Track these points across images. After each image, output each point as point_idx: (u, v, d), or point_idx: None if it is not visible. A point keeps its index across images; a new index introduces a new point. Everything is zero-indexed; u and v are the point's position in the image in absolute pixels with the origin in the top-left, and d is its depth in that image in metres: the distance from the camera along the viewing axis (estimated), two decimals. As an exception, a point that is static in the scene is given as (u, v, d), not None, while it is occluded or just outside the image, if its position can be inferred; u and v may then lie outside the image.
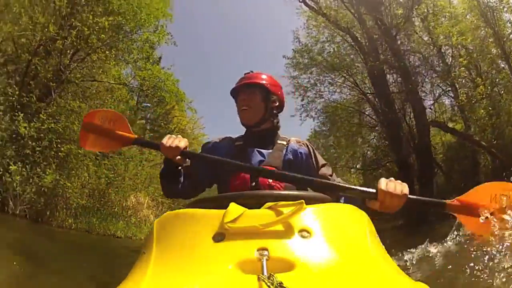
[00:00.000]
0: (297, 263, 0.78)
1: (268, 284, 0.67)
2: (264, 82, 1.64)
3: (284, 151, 1.56)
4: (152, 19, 11.16)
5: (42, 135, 8.49)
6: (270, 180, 1.43)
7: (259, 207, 0.94)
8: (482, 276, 2.18)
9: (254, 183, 1.43)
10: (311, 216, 0.93)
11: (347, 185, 1.28)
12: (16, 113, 8.12)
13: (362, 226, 1.03)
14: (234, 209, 0.91)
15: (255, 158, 1.53)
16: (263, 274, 0.71)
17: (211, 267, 0.79)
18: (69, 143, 9.01)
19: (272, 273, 0.70)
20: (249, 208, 0.93)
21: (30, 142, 8.18)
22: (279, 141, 1.62)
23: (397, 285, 0.82)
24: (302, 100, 15.58)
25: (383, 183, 1.18)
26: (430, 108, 13.35)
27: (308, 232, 0.87)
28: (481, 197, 1.25)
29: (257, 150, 1.56)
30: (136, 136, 1.56)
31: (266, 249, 0.80)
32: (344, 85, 15.80)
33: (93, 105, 10.39)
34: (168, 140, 1.38)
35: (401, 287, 0.82)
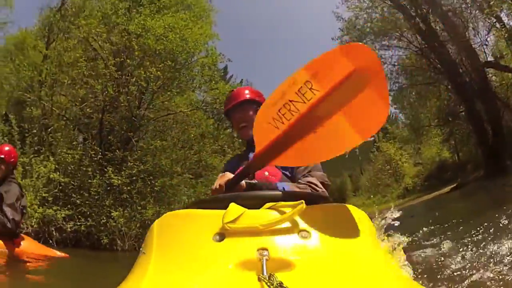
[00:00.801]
0: (297, 263, 0.82)
1: (268, 284, 0.70)
2: (250, 96, 1.82)
3: None
4: (201, 45, 11.90)
5: (134, 178, 9.75)
6: (267, 173, 1.56)
7: (259, 208, 0.97)
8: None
9: (250, 174, 1.49)
10: (311, 216, 0.95)
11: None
12: (105, 169, 9.47)
13: (362, 226, 1.04)
14: (234, 209, 0.94)
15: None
16: (263, 274, 0.74)
17: (211, 267, 0.83)
18: (162, 177, 10.19)
19: (272, 273, 0.74)
20: (249, 209, 0.96)
21: (125, 188, 9.47)
22: None
23: (397, 285, 0.85)
24: None
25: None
26: (484, 49, 12.98)
27: (308, 232, 0.90)
28: (267, 134, 1.16)
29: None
30: None
31: (266, 249, 0.83)
32: (399, 47, 15.68)
33: (175, 135, 11.60)
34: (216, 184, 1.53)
35: (401, 287, 0.86)
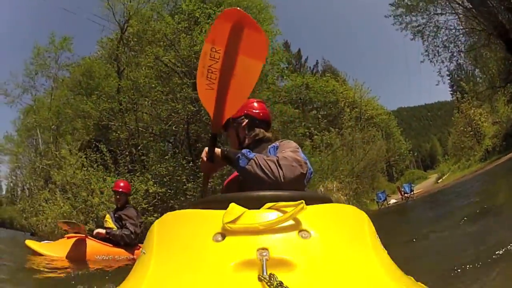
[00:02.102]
0: (297, 263, 0.84)
1: (268, 284, 0.73)
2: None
3: (267, 152, 1.72)
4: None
5: (225, 177, 11.04)
6: None
7: (259, 208, 0.99)
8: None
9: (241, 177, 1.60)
10: (311, 216, 0.98)
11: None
12: (198, 174, 10.91)
13: (362, 226, 1.09)
14: (234, 209, 0.97)
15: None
16: (263, 274, 0.77)
17: (211, 267, 0.85)
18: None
19: (272, 273, 0.77)
20: (249, 209, 0.99)
21: (217, 187, 10.73)
22: (269, 147, 1.79)
23: (397, 285, 0.88)
24: (423, 39, 16.32)
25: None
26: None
27: (308, 232, 0.92)
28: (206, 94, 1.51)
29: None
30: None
31: (266, 249, 0.85)
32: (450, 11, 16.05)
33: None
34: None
35: (401, 287, 0.89)
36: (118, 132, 12.66)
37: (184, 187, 10.74)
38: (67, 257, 5.08)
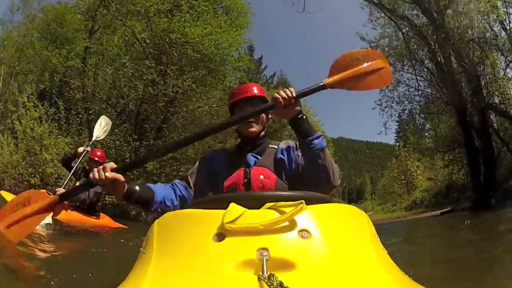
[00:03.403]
0: (297, 263, 0.84)
1: (268, 284, 0.74)
2: (262, 93, 1.85)
3: (275, 154, 1.76)
4: (233, 50, 14.22)
5: (163, 163, 12.04)
6: (262, 177, 1.62)
7: (259, 208, 1.01)
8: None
9: (246, 180, 1.61)
10: (311, 216, 0.99)
11: (247, 113, 1.66)
12: (140, 154, 11.75)
13: (362, 226, 1.11)
14: (234, 209, 0.98)
15: (251, 160, 1.73)
16: (263, 274, 0.78)
17: (211, 267, 0.86)
18: (187, 164, 12.38)
19: (272, 273, 0.77)
20: (249, 209, 1.00)
21: (155, 171, 11.77)
22: (270, 146, 1.81)
23: (397, 285, 0.89)
24: (380, 92, 17.86)
25: (275, 94, 1.59)
26: (487, 88, 14.69)
27: (308, 232, 0.94)
28: (343, 67, 1.73)
29: (251, 155, 1.76)
30: (58, 193, 1.63)
31: (267, 249, 0.86)
32: (414, 74, 17.62)
33: (203, 126, 13.63)
34: (94, 174, 1.45)
35: (401, 287, 0.90)
36: (76, 91, 13.21)
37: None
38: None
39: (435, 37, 15.16)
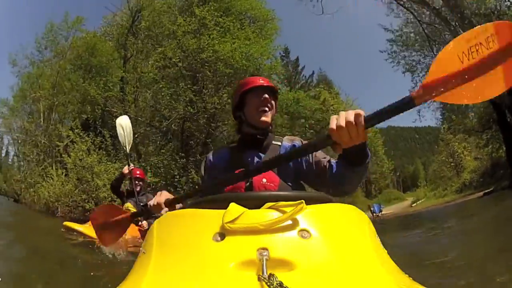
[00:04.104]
0: (297, 263, 0.86)
1: (268, 284, 0.75)
2: (270, 84, 1.78)
3: (278, 152, 1.71)
4: (265, 59, 14.97)
5: None
6: (264, 180, 1.56)
7: (259, 208, 1.02)
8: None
9: (248, 183, 1.57)
10: (311, 216, 1.00)
11: (305, 145, 1.35)
12: (188, 170, 12.76)
13: (362, 226, 1.12)
14: (234, 209, 1.00)
15: (253, 160, 1.71)
16: (263, 274, 0.80)
17: (211, 267, 0.87)
18: None
19: (272, 273, 0.79)
20: (249, 208, 1.01)
21: None
22: (273, 142, 1.77)
23: (397, 285, 0.89)
24: (412, 75, 18.45)
25: (333, 120, 1.16)
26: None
27: (308, 232, 0.95)
28: (449, 65, 1.08)
29: (254, 154, 1.73)
30: (130, 212, 1.86)
31: (266, 249, 0.88)
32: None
33: None
34: (153, 201, 1.58)
35: (401, 287, 0.90)
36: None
37: (177, 179, 12.43)
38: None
39: (454, 18, 15.48)
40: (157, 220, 1.20)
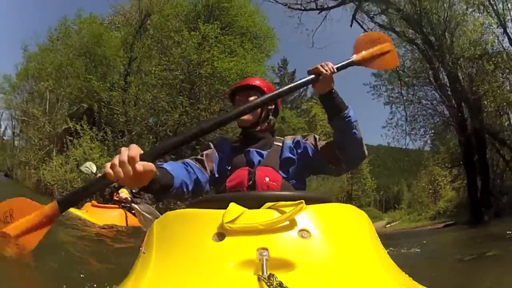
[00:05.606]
0: (297, 263, 0.89)
1: (268, 284, 0.78)
2: (259, 84, 1.93)
3: (280, 152, 1.81)
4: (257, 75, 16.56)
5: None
6: (267, 179, 1.64)
7: (258, 207, 1.06)
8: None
9: (251, 182, 1.64)
10: (311, 216, 1.04)
11: (289, 86, 1.72)
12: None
13: (362, 226, 1.17)
14: (234, 209, 1.04)
15: (255, 158, 1.77)
16: (263, 274, 0.82)
17: (211, 267, 0.91)
18: None
19: (272, 273, 0.81)
20: (249, 208, 1.06)
21: None
22: (275, 143, 1.86)
23: (397, 285, 0.94)
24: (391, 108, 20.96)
25: (319, 67, 1.70)
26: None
27: (308, 232, 0.99)
28: (362, 47, 1.96)
29: (256, 151, 1.80)
30: (56, 201, 1.46)
31: (266, 249, 0.91)
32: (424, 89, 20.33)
33: None
34: (115, 170, 1.14)
35: (400, 287, 0.94)
36: (119, 116, 16.34)
37: None
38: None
39: (438, 58, 17.54)
40: (157, 220, 1.25)
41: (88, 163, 7.43)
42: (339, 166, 1.77)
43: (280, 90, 1.68)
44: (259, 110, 1.84)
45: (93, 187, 1.42)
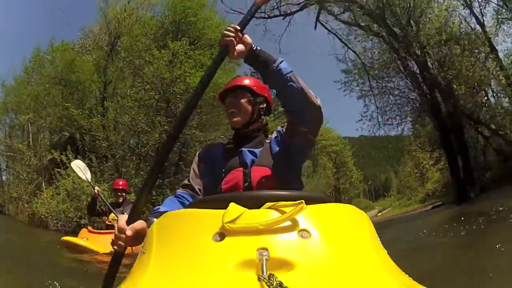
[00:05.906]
0: (297, 263, 0.91)
1: (268, 284, 0.78)
2: (248, 83, 1.90)
3: (270, 147, 1.81)
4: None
5: None
6: (263, 180, 1.65)
7: (258, 207, 1.08)
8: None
9: (247, 183, 1.65)
10: (311, 216, 1.05)
11: (207, 72, 1.67)
12: (164, 191, 15.44)
13: (362, 226, 1.19)
14: (234, 209, 1.05)
15: (247, 158, 1.77)
16: (263, 274, 0.83)
17: (211, 267, 0.92)
18: None
19: (272, 273, 0.82)
20: (248, 208, 1.07)
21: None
22: (266, 140, 1.86)
23: (397, 285, 0.95)
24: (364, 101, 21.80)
25: (223, 37, 1.62)
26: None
27: (308, 232, 1.00)
28: None
29: (248, 150, 1.79)
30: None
31: (266, 249, 0.92)
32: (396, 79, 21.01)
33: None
34: (116, 243, 1.42)
35: (400, 287, 0.95)
36: (101, 141, 16.72)
37: (152, 197, 14.55)
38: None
39: (404, 48, 18.15)
40: (157, 220, 1.26)
41: (81, 164, 7.30)
42: (298, 131, 1.70)
43: (203, 80, 1.64)
44: (250, 110, 1.86)
45: (115, 265, 1.51)
